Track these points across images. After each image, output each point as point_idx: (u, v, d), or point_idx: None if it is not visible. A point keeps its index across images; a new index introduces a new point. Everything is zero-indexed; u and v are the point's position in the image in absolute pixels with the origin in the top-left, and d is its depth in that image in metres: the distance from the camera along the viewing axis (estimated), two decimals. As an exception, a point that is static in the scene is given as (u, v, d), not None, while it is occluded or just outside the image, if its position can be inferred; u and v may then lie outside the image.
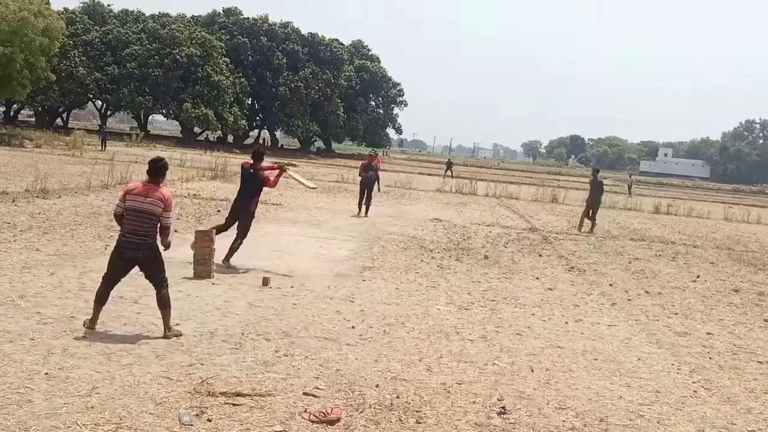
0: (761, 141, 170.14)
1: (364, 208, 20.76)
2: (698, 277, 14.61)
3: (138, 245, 7.05)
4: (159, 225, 7.10)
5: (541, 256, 15.70)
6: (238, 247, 11.35)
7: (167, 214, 7.13)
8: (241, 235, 11.46)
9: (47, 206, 15.84)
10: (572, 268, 14.28)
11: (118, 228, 7.23)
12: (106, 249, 10.96)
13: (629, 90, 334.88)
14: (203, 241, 10.28)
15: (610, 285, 12.72)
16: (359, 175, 21.75)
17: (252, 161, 11.71)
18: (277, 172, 11.65)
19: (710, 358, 8.37)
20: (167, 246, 7.30)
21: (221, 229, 11.50)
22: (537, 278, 12.71)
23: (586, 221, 22.04)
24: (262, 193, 11.90)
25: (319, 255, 13.16)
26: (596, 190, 22.27)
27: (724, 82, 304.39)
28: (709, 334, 9.58)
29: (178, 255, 10.02)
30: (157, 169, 7.25)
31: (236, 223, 11.57)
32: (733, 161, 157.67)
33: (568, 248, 17.48)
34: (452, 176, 50.85)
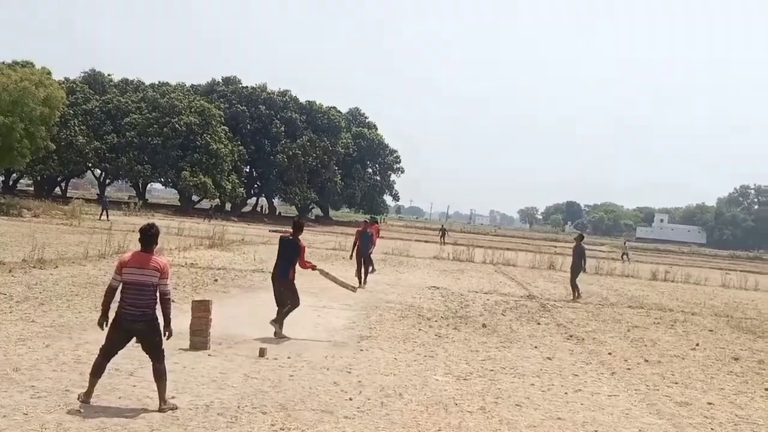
0: (756, 207, 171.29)
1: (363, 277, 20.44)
2: (697, 345, 14.52)
3: (137, 317, 7.04)
4: (158, 293, 7.12)
5: (539, 324, 15.63)
6: (287, 313, 11.72)
7: (165, 281, 7.14)
8: (294, 302, 11.83)
9: (44, 276, 15.81)
10: (571, 336, 14.20)
11: (117, 299, 7.21)
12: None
13: (624, 156, 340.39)
14: (199, 311, 10.24)
15: (609, 353, 12.63)
16: (354, 244, 21.47)
17: (292, 231, 12.16)
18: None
19: (712, 428, 8.28)
20: (170, 334, 7.27)
21: (281, 306, 11.81)
22: (536, 347, 12.63)
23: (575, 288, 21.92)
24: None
25: (316, 324, 13.09)
26: (578, 256, 22.01)
27: (719, 147, 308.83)
28: (710, 404, 9.48)
29: (173, 325, 9.95)
30: (149, 237, 7.27)
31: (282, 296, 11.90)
32: (729, 227, 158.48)
33: (567, 316, 17.42)
34: (446, 243, 51.31)
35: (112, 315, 7.20)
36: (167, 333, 7.24)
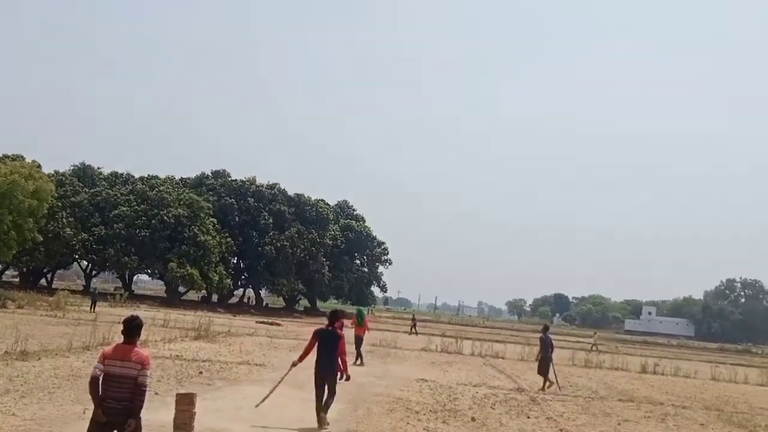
0: (743, 300, 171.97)
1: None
2: (689, 439, 14.35)
3: (119, 411, 6.93)
4: (136, 383, 7.02)
5: (529, 417, 15.44)
6: (331, 404, 12.19)
7: (144, 372, 7.05)
8: (333, 391, 12.20)
9: (26, 369, 15.59)
10: (561, 430, 14.03)
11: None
12: (84, 413, 10.72)
13: (610, 250, 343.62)
14: (183, 405, 10.07)
15: (600, 448, 12.46)
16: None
17: (328, 322, 12.67)
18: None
19: None
20: (135, 426, 6.99)
21: (319, 400, 12.16)
22: (525, 441, 12.44)
23: (554, 379, 21.84)
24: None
25: (302, 418, 12.88)
26: (546, 346, 22.17)
27: (704, 242, 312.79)
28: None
29: (157, 419, 9.80)
30: (132, 329, 7.26)
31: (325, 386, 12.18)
32: (717, 320, 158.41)
33: (557, 410, 17.22)
34: (417, 332, 53.60)
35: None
36: (132, 423, 6.97)
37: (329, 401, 12.18)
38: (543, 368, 21.93)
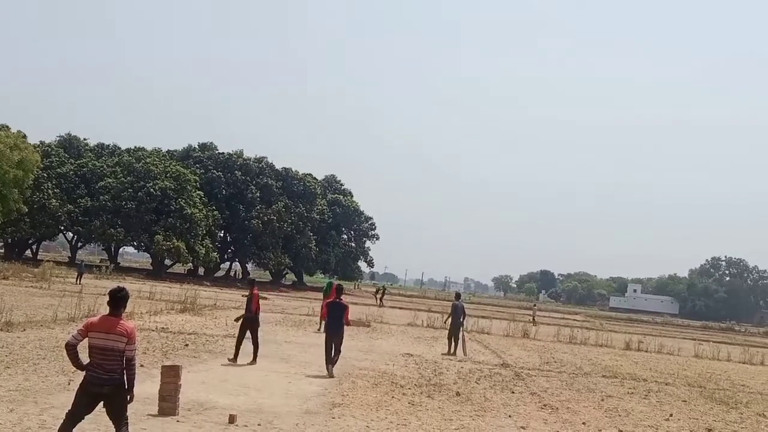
0: (727, 278, 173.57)
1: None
2: (671, 415, 14.48)
3: (104, 381, 6.90)
4: (124, 358, 7.00)
5: (513, 392, 15.52)
6: (337, 360, 15.55)
7: (131, 347, 7.02)
8: (339, 350, 15.58)
9: (11, 339, 15.52)
10: (545, 405, 14.10)
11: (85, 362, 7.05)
12: (69, 384, 10.70)
13: (597, 229, 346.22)
14: (169, 377, 10.07)
15: (584, 423, 12.55)
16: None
17: (335, 295, 15.94)
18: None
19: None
20: (131, 398, 7.13)
21: (328, 354, 15.38)
22: (509, 416, 12.51)
23: (461, 344, 22.93)
24: None
25: (287, 391, 12.90)
26: (457, 313, 23.31)
27: (690, 221, 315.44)
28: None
29: (143, 391, 9.78)
30: (118, 300, 7.18)
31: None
32: (701, 298, 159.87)
33: (541, 385, 17.32)
34: (383, 305, 54.24)
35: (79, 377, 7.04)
36: (129, 397, 7.10)
37: (336, 357, 15.41)
38: (452, 333, 23.18)
